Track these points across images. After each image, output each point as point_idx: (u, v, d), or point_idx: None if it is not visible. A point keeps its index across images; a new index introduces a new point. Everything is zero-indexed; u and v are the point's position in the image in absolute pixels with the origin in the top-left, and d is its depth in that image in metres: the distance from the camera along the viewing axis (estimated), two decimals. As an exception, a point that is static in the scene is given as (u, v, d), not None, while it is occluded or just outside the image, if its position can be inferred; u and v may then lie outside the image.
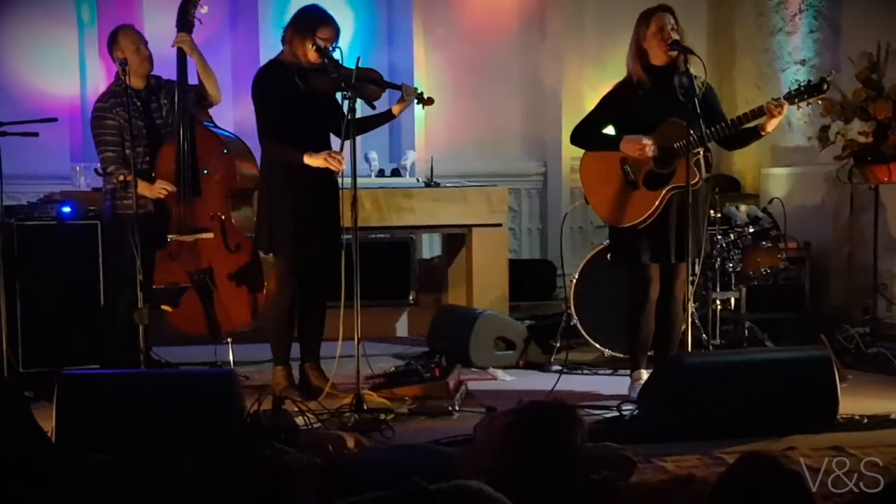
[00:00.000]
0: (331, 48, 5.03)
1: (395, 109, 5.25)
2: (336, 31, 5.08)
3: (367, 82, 5.10)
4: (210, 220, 5.42)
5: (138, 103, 5.39)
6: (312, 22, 5.06)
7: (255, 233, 5.27)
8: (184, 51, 5.41)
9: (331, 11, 5.17)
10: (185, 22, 5.45)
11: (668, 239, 4.99)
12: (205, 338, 5.58)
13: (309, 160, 4.98)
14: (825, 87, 4.88)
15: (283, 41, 5.14)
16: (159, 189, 5.37)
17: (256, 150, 5.43)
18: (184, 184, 5.37)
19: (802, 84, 4.94)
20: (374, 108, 5.10)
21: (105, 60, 5.50)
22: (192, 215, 5.41)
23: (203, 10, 5.49)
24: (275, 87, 5.08)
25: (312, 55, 5.02)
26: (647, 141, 4.91)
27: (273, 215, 5.11)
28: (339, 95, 5.11)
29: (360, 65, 4.93)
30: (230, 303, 5.42)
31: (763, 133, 4.97)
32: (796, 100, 4.89)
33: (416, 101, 5.15)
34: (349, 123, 4.88)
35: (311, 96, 5.07)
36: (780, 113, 4.83)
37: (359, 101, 5.00)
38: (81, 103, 7.32)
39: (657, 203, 4.96)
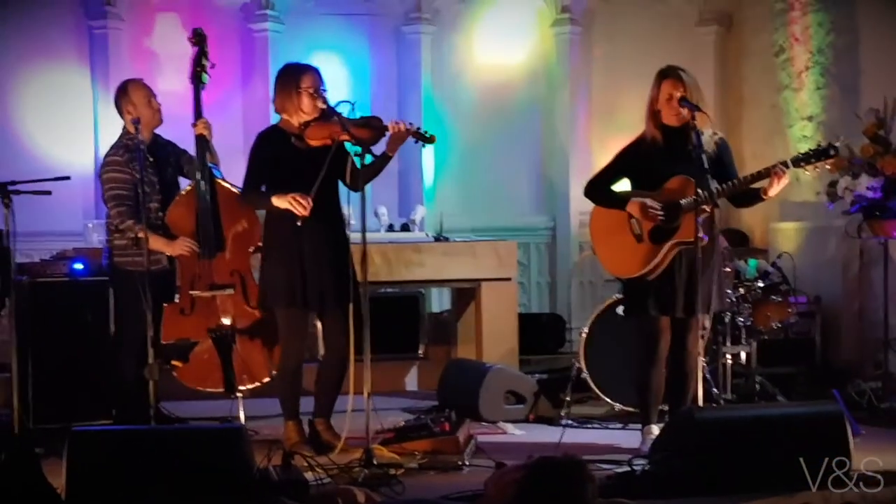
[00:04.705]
0: (321, 91, 5.05)
1: (389, 149, 5.13)
2: (318, 76, 5.11)
3: (366, 128, 5.02)
4: (231, 276, 5.42)
5: (150, 158, 5.42)
6: (292, 77, 5.10)
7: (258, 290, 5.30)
8: (205, 136, 5.44)
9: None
10: (196, 73, 5.50)
11: (677, 293, 5.00)
12: (214, 392, 5.57)
13: (277, 201, 4.99)
14: (832, 152, 4.91)
15: (276, 111, 5.20)
16: (182, 246, 5.36)
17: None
18: (207, 239, 5.38)
19: (811, 149, 4.98)
20: (372, 154, 4.96)
21: (118, 119, 5.53)
22: (214, 271, 5.39)
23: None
24: (271, 147, 5.12)
25: (307, 105, 5.05)
26: (652, 203, 4.95)
27: (268, 272, 5.15)
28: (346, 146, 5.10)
29: (353, 111, 4.94)
30: (250, 358, 5.41)
31: (765, 197, 4.99)
32: (803, 163, 4.93)
33: (414, 139, 5.08)
34: (355, 173, 4.90)
35: (310, 155, 5.05)
36: (783, 177, 4.86)
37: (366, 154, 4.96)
38: (95, 162, 7.39)
39: (660, 257, 4.98)
